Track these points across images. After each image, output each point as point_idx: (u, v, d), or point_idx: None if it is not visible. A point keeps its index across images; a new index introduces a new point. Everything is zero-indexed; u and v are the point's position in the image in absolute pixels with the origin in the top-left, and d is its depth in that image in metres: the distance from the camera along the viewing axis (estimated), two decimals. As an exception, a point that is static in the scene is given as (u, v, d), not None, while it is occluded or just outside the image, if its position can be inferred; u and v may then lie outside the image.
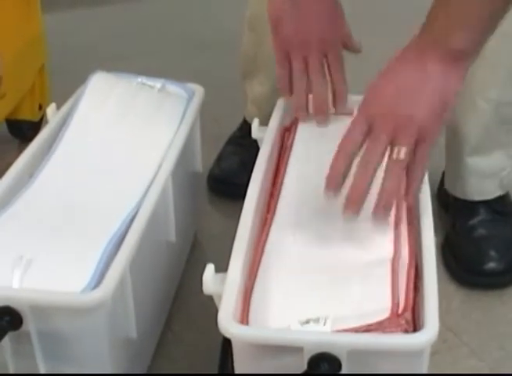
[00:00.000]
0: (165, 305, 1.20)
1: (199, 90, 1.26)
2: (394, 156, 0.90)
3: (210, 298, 0.87)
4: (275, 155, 1.13)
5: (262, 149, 1.10)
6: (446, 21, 0.90)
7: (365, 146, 0.92)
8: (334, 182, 0.92)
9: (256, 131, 1.17)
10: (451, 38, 0.89)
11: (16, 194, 1.04)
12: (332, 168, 0.92)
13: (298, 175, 1.07)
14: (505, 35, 1.06)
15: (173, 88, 1.24)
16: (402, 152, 0.90)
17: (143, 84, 1.23)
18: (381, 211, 0.92)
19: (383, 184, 0.91)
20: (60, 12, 2.29)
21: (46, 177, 1.08)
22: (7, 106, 1.56)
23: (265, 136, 1.13)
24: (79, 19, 2.43)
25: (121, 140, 1.13)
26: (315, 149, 1.13)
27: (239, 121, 1.55)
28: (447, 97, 0.90)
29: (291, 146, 1.14)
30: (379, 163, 0.91)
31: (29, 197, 1.04)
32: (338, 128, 1.16)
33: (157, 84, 1.23)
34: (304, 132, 1.17)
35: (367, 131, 0.91)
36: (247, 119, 1.49)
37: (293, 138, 1.16)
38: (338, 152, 0.92)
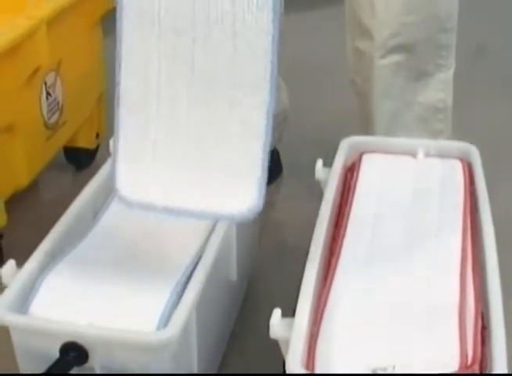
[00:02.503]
0: (223, 340, 1.23)
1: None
2: None
3: (266, 335, 0.90)
4: (338, 196, 1.16)
5: (327, 191, 1.13)
6: None
7: None
8: None
9: (319, 171, 1.20)
10: None
11: (80, 230, 1.08)
12: None
13: (362, 217, 1.10)
14: None
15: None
16: None
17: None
18: None
19: None
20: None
21: (111, 218, 1.12)
22: (66, 134, 1.61)
23: (329, 178, 1.16)
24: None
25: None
26: (378, 190, 1.16)
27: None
28: None
29: (354, 186, 1.17)
30: None
31: (96, 236, 1.08)
32: (400, 168, 1.21)
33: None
34: (368, 172, 1.20)
35: None
36: None
37: (357, 178, 1.19)
38: None
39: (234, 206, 0.95)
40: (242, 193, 0.95)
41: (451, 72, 1.51)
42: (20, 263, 1.02)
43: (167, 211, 0.98)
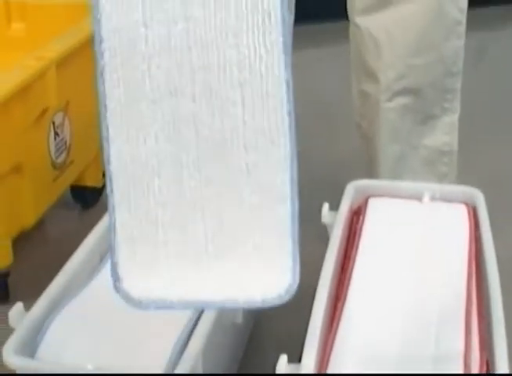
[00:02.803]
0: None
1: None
2: None
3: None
4: (344, 240, 1.17)
5: (333, 235, 1.14)
6: None
7: None
8: None
9: (326, 215, 1.22)
10: None
11: (87, 273, 1.10)
12: None
13: (368, 261, 1.11)
14: None
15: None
16: None
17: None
18: None
19: None
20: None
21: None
22: (74, 174, 1.63)
23: (336, 222, 1.17)
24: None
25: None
26: (384, 234, 1.17)
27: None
28: None
29: (360, 230, 1.18)
30: None
31: (102, 280, 1.09)
32: (406, 212, 1.22)
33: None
34: (374, 216, 1.21)
35: None
36: None
37: (363, 222, 1.20)
38: None
39: (266, 290, 0.82)
40: (273, 274, 0.82)
41: (456, 116, 1.53)
42: (26, 302, 1.03)
43: (188, 305, 0.85)
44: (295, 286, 0.82)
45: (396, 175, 1.51)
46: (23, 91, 1.35)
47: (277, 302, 0.82)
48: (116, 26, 0.81)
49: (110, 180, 0.84)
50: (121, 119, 0.82)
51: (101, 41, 0.81)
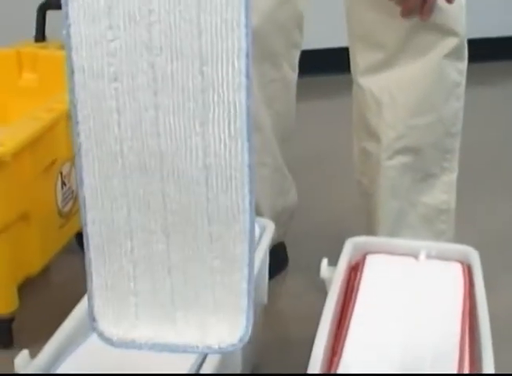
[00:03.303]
0: None
1: (270, 226, 1.36)
2: None
3: None
4: (342, 295, 1.22)
5: (331, 290, 1.18)
6: None
7: None
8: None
9: (324, 270, 1.26)
10: None
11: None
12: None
13: (364, 317, 1.15)
14: None
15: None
16: None
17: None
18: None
19: None
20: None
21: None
22: (79, 222, 1.66)
23: (334, 277, 1.21)
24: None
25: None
26: (381, 290, 1.21)
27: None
28: None
29: (358, 286, 1.22)
30: None
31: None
32: (402, 269, 1.26)
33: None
34: (371, 272, 1.25)
35: None
36: None
37: (360, 278, 1.24)
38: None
39: (222, 339, 0.95)
40: (229, 327, 0.94)
41: (455, 175, 1.58)
42: (31, 348, 1.06)
43: (153, 348, 0.97)
44: (247, 336, 0.94)
45: (395, 232, 1.55)
46: (34, 142, 1.41)
47: (231, 349, 0.95)
48: (90, 112, 0.90)
49: (87, 238, 0.95)
50: (96, 191, 0.93)
51: (77, 123, 0.91)
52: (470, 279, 1.24)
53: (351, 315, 1.15)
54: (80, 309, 1.15)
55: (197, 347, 0.96)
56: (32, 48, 1.90)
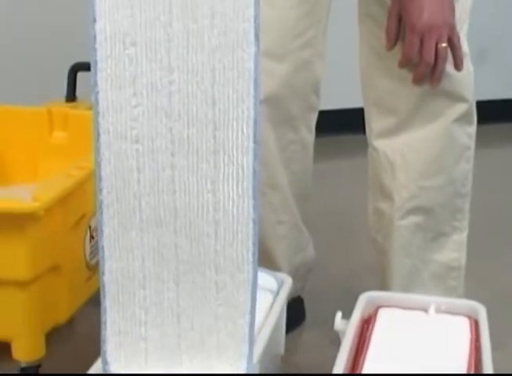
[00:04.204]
0: None
1: (287, 281, 1.44)
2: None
3: None
4: (354, 347, 1.30)
5: (344, 342, 1.27)
6: None
7: None
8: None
9: (338, 323, 1.34)
10: None
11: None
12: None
13: (375, 367, 1.23)
14: None
15: (264, 276, 1.42)
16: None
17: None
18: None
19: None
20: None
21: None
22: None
23: (347, 330, 1.30)
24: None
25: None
26: (391, 342, 1.29)
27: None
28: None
29: (370, 338, 1.30)
30: None
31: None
32: (412, 322, 1.34)
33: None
34: (383, 325, 1.34)
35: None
36: None
37: (372, 330, 1.32)
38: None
39: None
40: (232, 369, 1.06)
41: (465, 234, 1.66)
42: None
43: None
44: None
45: (407, 288, 1.62)
46: (66, 198, 1.50)
47: None
48: (113, 170, 1.05)
49: (103, 288, 1.09)
50: (114, 243, 1.06)
51: (100, 180, 1.06)
52: (476, 333, 1.32)
53: (362, 365, 1.23)
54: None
55: None
56: (63, 108, 2.00)
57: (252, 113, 1.00)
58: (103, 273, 1.08)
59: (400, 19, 1.43)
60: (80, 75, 2.09)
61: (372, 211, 1.69)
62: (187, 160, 1.02)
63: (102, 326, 1.09)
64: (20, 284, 1.47)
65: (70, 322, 1.72)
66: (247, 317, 1.05)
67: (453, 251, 1.65)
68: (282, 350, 1.49)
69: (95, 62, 1.01)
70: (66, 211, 1.53)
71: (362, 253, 2.06)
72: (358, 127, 1.83)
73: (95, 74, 1.02)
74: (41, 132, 1.97)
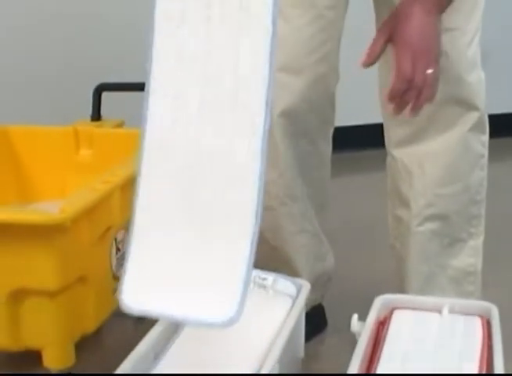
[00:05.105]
0: None
1: (306, 286, 1.51)
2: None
3: None
4: (370, 347, 1.36)
5: (359, 342, 1.33)
6: None
7: None
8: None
9: (354, 325, 1.40)
10: None
11: (142, 369, 1.28)
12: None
13: (390, 365, 1.29)
14: None
15: (282, 281, 1.49)
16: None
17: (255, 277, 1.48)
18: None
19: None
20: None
21: (171, 358, 1.32)
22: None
23: (363, 330, 1.36)
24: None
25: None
26: (405, 341, 1.35)
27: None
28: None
29: (385, 338, 1.37)
30: None
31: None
32: (426, 323, 1.40)
33: (269, 278, 1.48)
34: (397, 326, 1.40)
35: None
36: None
37: (387, 330, 1.38)
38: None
39: (215, 317, 1.13)
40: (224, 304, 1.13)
41: (481, 239, 1.71)
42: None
43: (162, 316, 1.23)
44: (236, 319, 1.11)
45: (425, 293, 1.67)
46: (92, 210, 1.58)
47: (221, 327, 1.12)
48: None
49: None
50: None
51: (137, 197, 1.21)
52: (488, 332, 1.37)
53: (377, 364, 1.29)
54: (129, 360, 1.28)
55: (193, 320, 1.16)
56: (88, 127, 2.09)
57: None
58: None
59: (388, 40, 1.43)
60: (104, 95, 2.17)
61: (391, 218, 1.75)
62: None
63: (125, 261, 1.19)
64: (49, 294, 1.55)
65: (98, 332, 1.79)
66: (246, 263, 1.12)
67: (470, 256, 1.70)
68: (302, 353, 1.55)
69: None
70: (92, 223, 1.60)
71: (381, 262, 2.12)
72: (375, 142, 1.89)
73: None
74: (68, 151, 2.06)
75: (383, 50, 1.44)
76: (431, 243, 1.68)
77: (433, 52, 1.42)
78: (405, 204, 1.69)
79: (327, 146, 1.80)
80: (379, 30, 1.46)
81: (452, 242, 1.69)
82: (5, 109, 2.60)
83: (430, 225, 1.67)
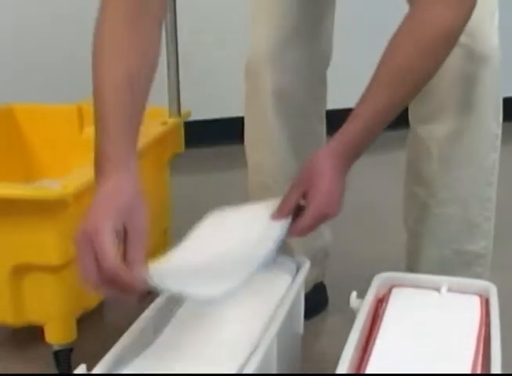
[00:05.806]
0: None
1: (305, 262, 1.53)
2: None
3: None
4: (368, 323, 1.37)
5: (357, 319, 1.35)
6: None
7: None
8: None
9: (353, 301, 1.42)
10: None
11: (142, 343, 1.30)
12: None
13: (387, 341, 1.31)
14: None
15: (282, 259, 1.50)
16: None
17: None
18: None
19: None
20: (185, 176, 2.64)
21: (170, 333, 1.33)
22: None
23: (361, 307, 1.37)
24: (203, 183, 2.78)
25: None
26: (404, 319, 1.37)
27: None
28: None
29: (383, 314, 1.38)
30: None
31: (156, 348, 1.30)
32: (424, 300, 1.41)
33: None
34: (396, 303, 1.42)
35: None
36: None
37: (385, 308, 1.40)
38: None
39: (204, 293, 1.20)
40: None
41: (492, 221, 1.73)
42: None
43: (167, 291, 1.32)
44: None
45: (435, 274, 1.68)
46: (93, 186, 1.58)
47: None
48: None
49: None
50: None
51: None
52: (487, 310, 1.39)
53: (375, 339, 1.31)
54: (129, 334, 1.31)
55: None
56: (92, 105, 2.10)
57: None
58: None
59: (302, 196, 1.41)
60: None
61: (406, 193, 1.77)
62: None
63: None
64: (52, 269, 1.57)
65: (99, 308, 1.81)
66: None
67: (483, 239, 1.72)
68: (301, 330, 1.57)
69: None
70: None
71: (387, 242, 2.14)
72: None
73: None
74: (72, 129, 2.08)
75: (297, 203, 1.41)
76: (449, 227, 1.69)
77: (338, 210, 1.41)
78: (422, 182, 1.70)
79: (320, 125, 1.81)
80: (293, 186, 1.43)
81: (470, 228, 1.70)
82: (9, 90, 2.63)
83: (448, 209, 1.68)
